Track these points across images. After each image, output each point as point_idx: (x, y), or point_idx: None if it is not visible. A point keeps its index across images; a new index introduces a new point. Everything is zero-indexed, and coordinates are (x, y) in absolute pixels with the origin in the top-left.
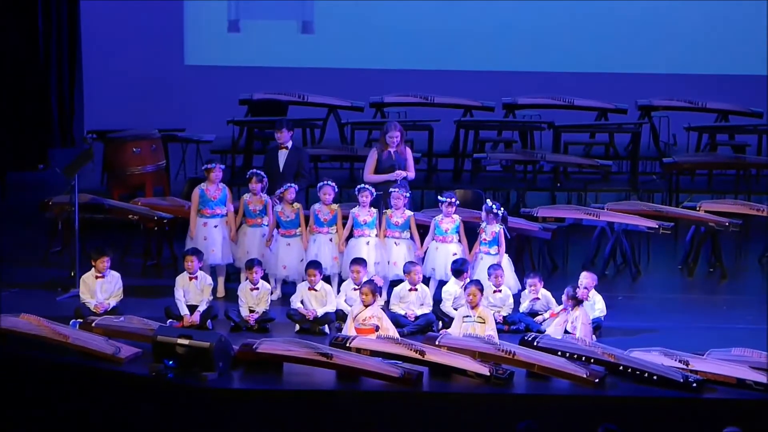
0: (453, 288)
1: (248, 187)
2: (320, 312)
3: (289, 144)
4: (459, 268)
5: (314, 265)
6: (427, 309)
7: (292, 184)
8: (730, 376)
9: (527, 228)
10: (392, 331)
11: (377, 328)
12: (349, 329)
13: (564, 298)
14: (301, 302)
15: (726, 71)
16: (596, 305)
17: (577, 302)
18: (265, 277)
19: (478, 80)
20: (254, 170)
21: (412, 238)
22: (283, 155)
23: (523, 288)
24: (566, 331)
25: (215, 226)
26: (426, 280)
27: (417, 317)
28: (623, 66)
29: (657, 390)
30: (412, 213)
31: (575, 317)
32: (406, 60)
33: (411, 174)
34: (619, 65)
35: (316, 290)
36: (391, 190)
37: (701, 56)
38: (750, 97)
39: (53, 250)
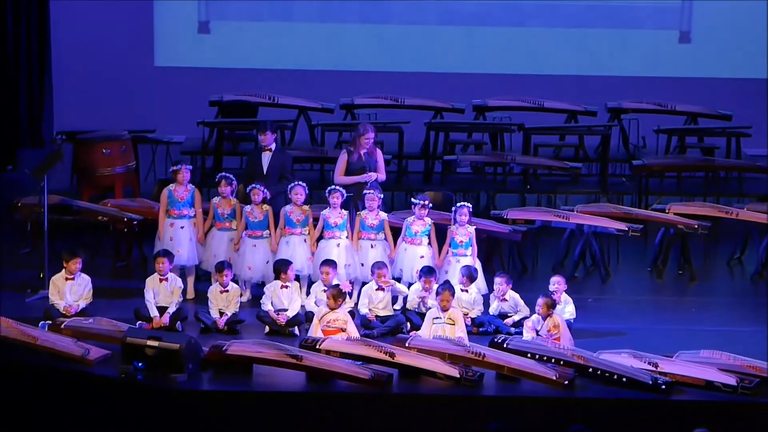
0: (417, 287)
1: (218, 190)
2: (290, 313)
3: (273, 146)
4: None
5: (284, 262)
6: (389, 312)
7: (258, 185)
8: (699, 378)
9: (497, 230)
10: (355, 336)
11: (343, 331)
12: (315, 330)
13: (538, 308)
14: (271, 303)
15: (695, 74)
16: (567, 308)
17: (553, 306)
18: (235, 279)
19: (448, 82)
20: (223, 174)
21: (386, 239)
22: (266, 157)
23: (492, 290)
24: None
25: (182, 227)
26: (396, 281)
27: (384, 319)
28: (593, 68)
29: (626, 392)
30: (386, 215)
31: (552, 325)
32: (376, 62)
33: (382, 176)
34: (588, 68)
35: (287, 286)
36: (365, 192)
37: (670, 59)
38: (719, 100)
39: (22, 252)
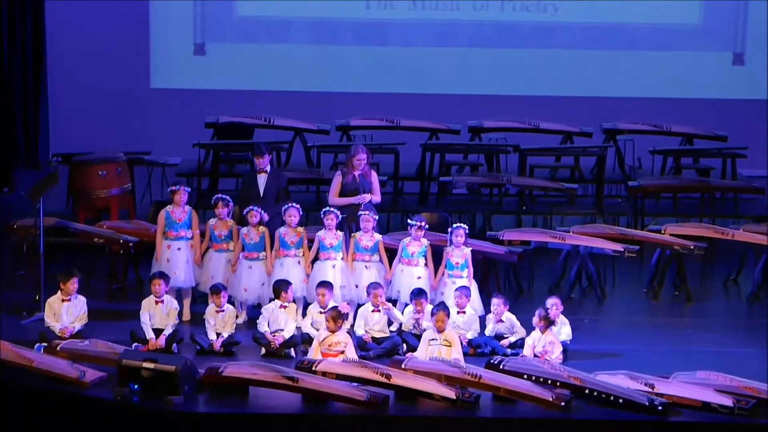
0: (411, 309)
1: (214, 211)
2: (285, 334)
3: (268, 168)
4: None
5: (282, 283)
6: (385, 333)
7: (255, 207)
8: (696, 399)
9: (493, 251)
10: (355, 358)
11: (342, 353)
12: (315, 353)
13: (535, 320)
14: (268, 324)
15: (690, 95)
16: (563, 330)
17: (549, 323)
18: (231, 301)
19: (444, 103)
20: (220, 195)
21: (381, 261)
22: (262, 179)
23: (488, 311)
24: (535, 355)
25: (179, 249)
26: (393, 303)
27: (380, 340)
28: (588, 90)
29: (623, 413)
30: (381, 236)
31: (548, 341)
32: (371, 83)
33: (376, 197)
34: (584, 89)
35: (285, 307)
36: (360, 213)
37: (666, 80)
38: (714, 121)
39: (18, 274)
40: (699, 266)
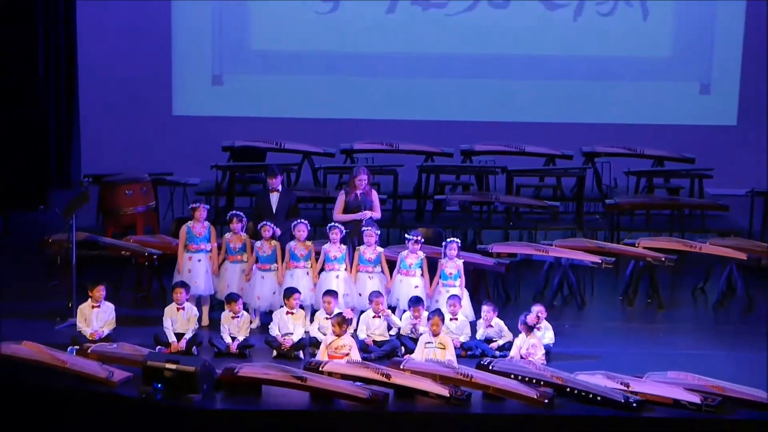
0: (409, 315)
1: (230, 226)
2: (294, 337)
3: (280, 188)
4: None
5: (291, 291)
6: (385, 337)
7: (267, 223)
8: (667, 397)
9: (483, 263)
10: (358, 360)
11: (347, 355)
12: (322, 355)
13: (521, 326)
14: (278, 328)
15: (662, 121)
16: (546, 334)
17: (530, 328)
18: (245, 308)
19: (439, 129)
20: (234, 212)
21: (382, 271)
22: (275, 198)
23: (478, 317)
24: (521, 356)
25: (199, 260)
26: (392, 309)
27: (380, 343)
28: (569, 117)
29: (600, 410)
30: (383, 249)
31: (531, 344)
32: (373, 110)
33: (377, 214)
34: (565, 116)
35: (293, 313)
36: (363, 228)
37: (639, 108)
38: (683, 145)
39: (52, 284)
40: (669, 276)
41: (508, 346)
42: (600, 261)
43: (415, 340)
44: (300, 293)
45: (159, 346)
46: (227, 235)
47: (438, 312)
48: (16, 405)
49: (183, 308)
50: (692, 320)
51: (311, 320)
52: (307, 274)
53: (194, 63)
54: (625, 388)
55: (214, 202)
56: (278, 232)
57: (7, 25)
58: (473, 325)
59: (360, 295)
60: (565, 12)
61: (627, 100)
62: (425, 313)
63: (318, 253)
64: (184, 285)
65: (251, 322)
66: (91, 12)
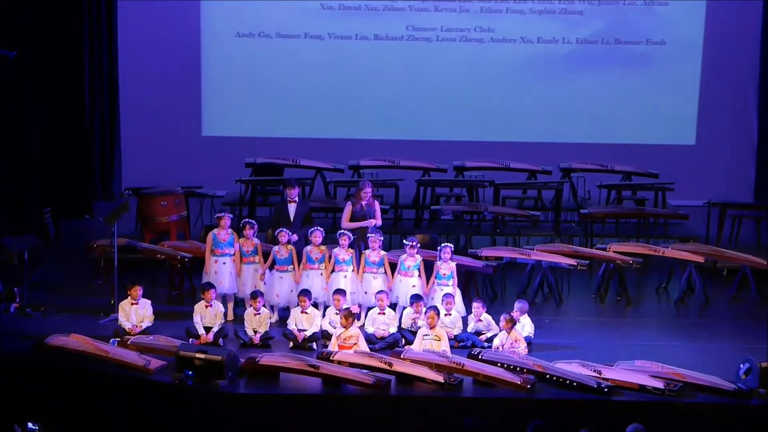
0: (409, 311)
1: (243, 232)
2: (308, 332)
3: (297, 198)
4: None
5: (305, 293)
6: (392, 329)
7: (284, 229)
8: (634, 383)
9: (473, 265)
10: (365, 350)
11: (355, 345)
12: (333, 346)
13: (502, 323)
14: (295, 324)
15: (630, 141)
16: (526, 327)
17: (513, 323)
18: (265, 305)
19: (435, 148)
20: (247, 220)
21: (385, 273)
22: (292, 208)
23: (469, 312)
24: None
25: (224, 263)
26: (393, 306)
27: (384, 337)
28: (549, 137)
29: (576, 394)
30: (386, 253)
31: (513, 339)
32: (378, 131)
33: (379, 222)
34: (545, 136)
35: (306, 313)
36: (368, 235)
37: (611, 129)
38: (648, 162)
39: (96, 283)
40: (636, 277)
41: (494, 338)
42: (575, 263)
43: (414, 333)
44: (309, 296)
45: (190, 338)
46: (241, 240)
47: (434, 308)
48: (66, 389)
49: (211, 305)
50: (656, 315)
51: (323, 315)
52: (321, 274)
53: (221, 88)
54: (598, 375)
55: (238, 212)
56: (294, 237)
57: (58, 56)
58: (465, 320)
59: (366, 293)
60: (550, 47)
61: (600, 122)
62: (423, 309)
63: (330, 257)
64: (211, 286)
65: (270, 317)
66: (129, 48)
